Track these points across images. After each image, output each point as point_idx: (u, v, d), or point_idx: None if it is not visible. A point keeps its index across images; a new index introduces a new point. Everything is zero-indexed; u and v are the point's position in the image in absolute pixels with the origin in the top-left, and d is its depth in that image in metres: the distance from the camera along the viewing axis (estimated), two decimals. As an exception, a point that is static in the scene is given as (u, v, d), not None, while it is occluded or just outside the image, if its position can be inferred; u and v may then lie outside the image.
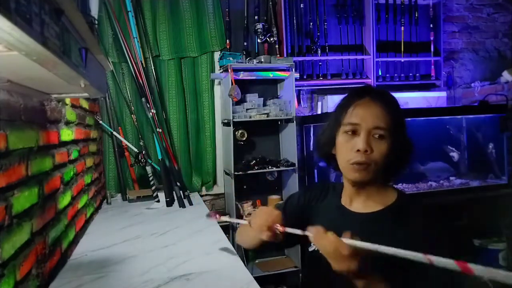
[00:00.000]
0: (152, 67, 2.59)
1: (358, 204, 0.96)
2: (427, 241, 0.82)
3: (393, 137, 0.88)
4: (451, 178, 2.93)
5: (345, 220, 0.96)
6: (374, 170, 0.88)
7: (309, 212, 1.06)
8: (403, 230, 0.86)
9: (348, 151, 0.89)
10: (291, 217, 1.05)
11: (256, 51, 2.83)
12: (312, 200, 1.08)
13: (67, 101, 1.59)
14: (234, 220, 0.93)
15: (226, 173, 2.74)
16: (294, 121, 2.61)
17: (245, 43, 2.81)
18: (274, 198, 2.75)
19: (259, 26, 2.73)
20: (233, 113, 2.50)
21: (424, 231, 0.85)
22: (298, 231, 0.86)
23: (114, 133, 2.46)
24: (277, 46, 2.81)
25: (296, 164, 2.61)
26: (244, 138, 2.60)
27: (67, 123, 1.58)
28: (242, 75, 2.58)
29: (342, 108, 0.93)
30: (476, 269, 0.58)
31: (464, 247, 2.76)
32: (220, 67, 2.71)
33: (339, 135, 0.93)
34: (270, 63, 2.58)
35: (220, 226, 1.77)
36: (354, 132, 0.89)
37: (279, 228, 0.92)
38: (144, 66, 2.52)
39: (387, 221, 0.89)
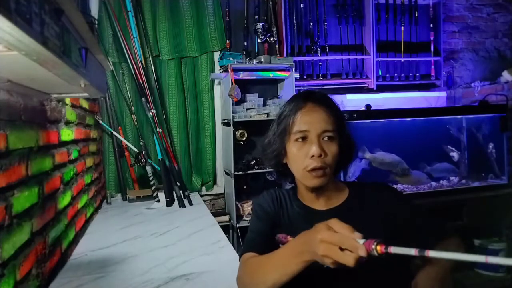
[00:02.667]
0: (152, 67, 2.59)
1: (320, 206, 0.96)
2: (408, 209, 0.93)
3: (340, 137, 0.91)
4: (451, 178, 2.93)
5: (314, 219, 0.89)
6: (329, 172, 0.90)
7: (279, 219, 0.99)
8: (373, 208, 0.91)
9: (303, 158, 0.89)
10: (268, 225, 0.98)
11: (256, 51, 2.83)
12: (279, 207, 1.00)
13: (67, 101, 1.59)
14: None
15: (226, 173, 2.74)
16: (294, 121, 2.60)
17: (245, 43, 2.81)
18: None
19: (259, 26, 2.73)
20: (233, 113, 2.50)
21: (398, 200, 0.95)
22: (409, 250, 0.57)
23: (114, 133, 2.46)
24: (277, 46, 2.81)
25: (296, 164, 2.60)
26: (244, 138, 2.60)
27: (67, 123, 1.58)
28: (242, 75, 2.58)
29: (287, 117, 0.93)
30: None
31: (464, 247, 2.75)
32: (220, 67, 2.71)
33: (289, 144, 0.93)
34: (270, 63, 2.58)
35: (220, 226, 1.77)
36: (304, 139, 0.90)
37: (378, 248, 0.58)
38: (144, 66, 2.52)
39: (354, 207, 0.93)
